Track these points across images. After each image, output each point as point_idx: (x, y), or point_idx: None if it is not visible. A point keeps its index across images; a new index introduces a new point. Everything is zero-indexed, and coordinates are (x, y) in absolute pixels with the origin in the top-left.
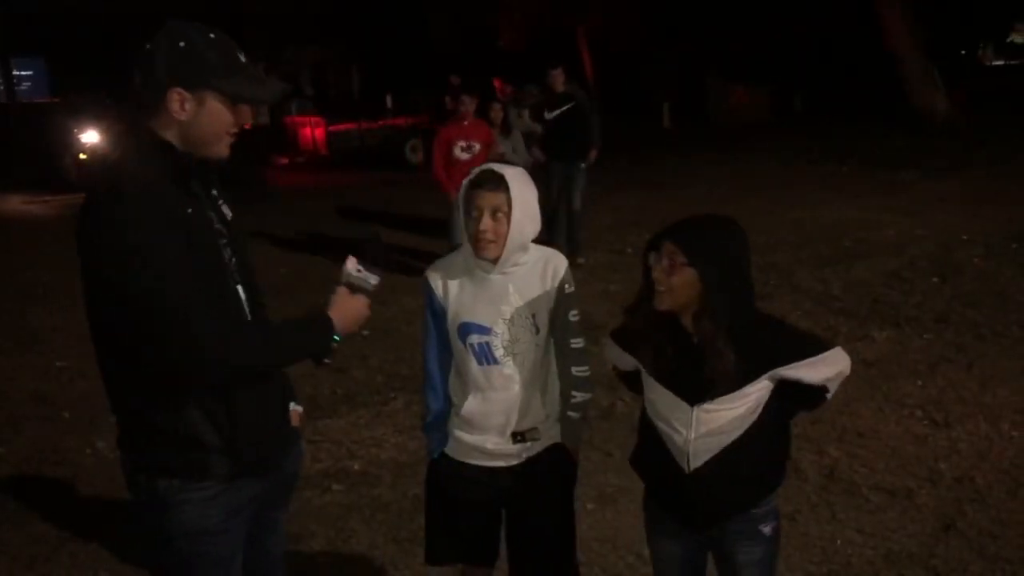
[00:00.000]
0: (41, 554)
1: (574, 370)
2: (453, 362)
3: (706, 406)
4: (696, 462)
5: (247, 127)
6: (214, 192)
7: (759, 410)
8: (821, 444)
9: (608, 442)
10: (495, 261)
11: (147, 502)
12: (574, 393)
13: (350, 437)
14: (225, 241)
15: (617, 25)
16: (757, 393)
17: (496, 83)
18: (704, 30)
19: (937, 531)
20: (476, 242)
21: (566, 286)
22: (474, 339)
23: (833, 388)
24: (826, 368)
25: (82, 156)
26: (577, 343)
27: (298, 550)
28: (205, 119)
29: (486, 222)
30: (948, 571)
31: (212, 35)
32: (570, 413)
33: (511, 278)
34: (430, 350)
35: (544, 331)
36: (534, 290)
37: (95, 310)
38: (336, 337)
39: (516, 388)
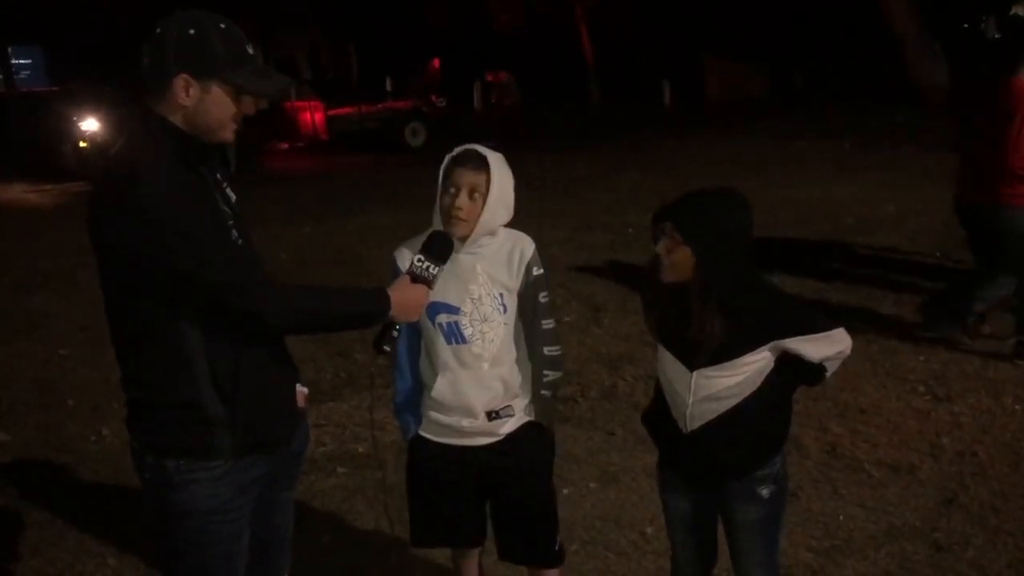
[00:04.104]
0: (47, 540)
1: (546, 350)
2: (422, 343)
3: (705, 372)
4: (693, 424)
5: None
6: (219, 175)
7: (760, 380)
8: (823, 420)
9: (610, 421)
10: (463, 240)
11: (155, 482)
12: (546, 372)
13: (354, 420)
14: (232, 223)
15: (615, 4)
16: (759, 363)
17: (489, 76)
18: (702, 7)
19: (939, 505)
20: (448, 218)
21: (534, 268)
22: (443, 318)
23: (832, 368)
24: (827, 346)
25: (82, 144)
26: (548, 324)
27: (304, 532)
28: (208, 107)
29: (462, 199)
30: (950, 545)
31: (223, 25)
32: (543, 392)
33: (478, 258)
34: None
35: (512, 311)
36: (501, 270)
37: (117, 287)
38: (397, 327)
39: (485, 367)
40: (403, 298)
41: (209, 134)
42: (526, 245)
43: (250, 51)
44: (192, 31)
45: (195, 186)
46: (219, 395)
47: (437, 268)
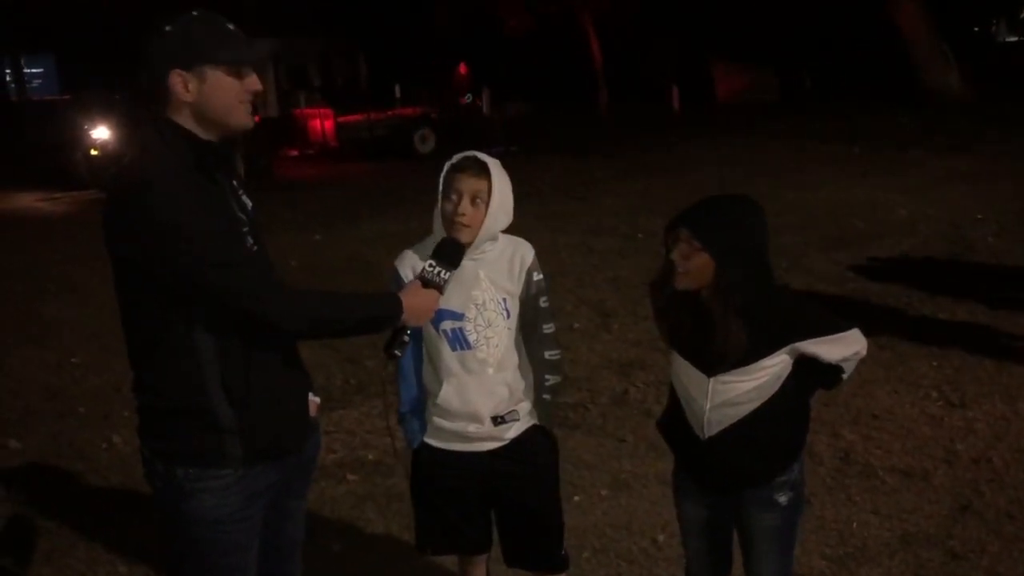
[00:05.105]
0: (59, 548)
1: (547, 354)
2: (425, 350)
3: (722, 377)
4: (711, 431)
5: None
6: (234, 182)
7: (778, 385)
8: (836, 427)
9: (621, 428)
10: (466, 246)
11: (165, 490)
12: (547, 376)
13: (364, 427)
14: (247, 229)
15: (622, 6)
16: (776, 367)
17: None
18: (709, 10)
19: (954, 512)
20: (450, 225)
21: (535, 274)
22: (447, 325)
23: (849, 369)
24: (843, 347)
25: (93, 152)
26: (549, 328)
27: (313, 539)
28: (211, 93)
29: (465, 206)
30: (965, 552)
31: (195, 12)
32: (544, 396)
33: (481, 264)
34: None
35: (515, 315)
36: (503, 275)
37: (130, 293)
38: (408, 331)
39: (490, 372)
40: (414, 302)
41: (222, 124)
42: (526, 251)
43: (230, 27)
44: (168, 28)
45: (210, 193)
46: (230, 402)
47: (448, 273)
